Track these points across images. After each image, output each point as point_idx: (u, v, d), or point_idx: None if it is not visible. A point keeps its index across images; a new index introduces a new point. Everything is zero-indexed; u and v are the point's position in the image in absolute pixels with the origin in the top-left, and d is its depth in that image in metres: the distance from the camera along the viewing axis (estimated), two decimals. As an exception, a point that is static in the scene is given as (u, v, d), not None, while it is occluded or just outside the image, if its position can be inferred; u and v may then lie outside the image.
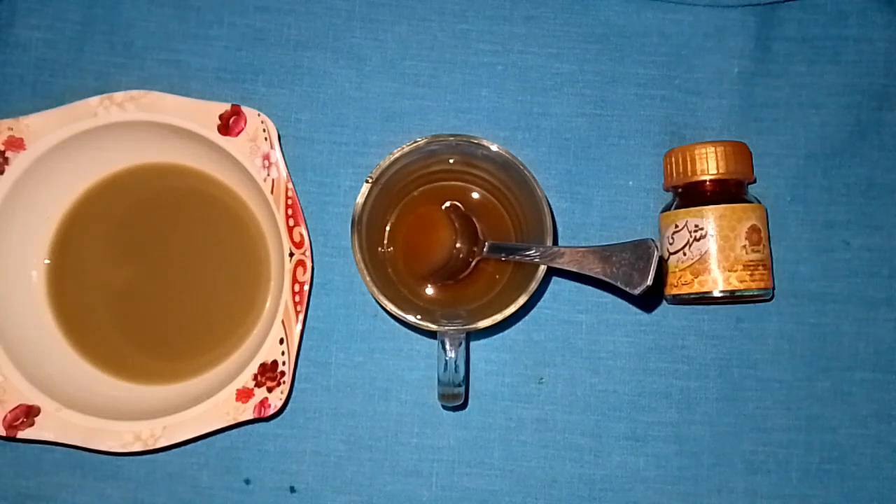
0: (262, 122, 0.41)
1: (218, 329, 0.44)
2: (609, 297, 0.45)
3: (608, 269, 0.34)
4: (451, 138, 0.38)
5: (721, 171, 0.42)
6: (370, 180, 0.38)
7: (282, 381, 0.41)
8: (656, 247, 0.33)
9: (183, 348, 0.44)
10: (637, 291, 0.33)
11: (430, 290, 0.42)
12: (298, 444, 0.44)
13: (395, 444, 0.44)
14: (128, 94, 0.42)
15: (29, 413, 0.41)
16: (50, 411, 0.41)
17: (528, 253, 0.38)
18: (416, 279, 0.41)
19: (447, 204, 0.41)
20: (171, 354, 0.44)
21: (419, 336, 0.44)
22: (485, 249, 0.40)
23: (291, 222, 0.41)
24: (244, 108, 0.41)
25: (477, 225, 0.41)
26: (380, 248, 0.41)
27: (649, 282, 0.32)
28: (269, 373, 0.41)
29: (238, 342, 0.44)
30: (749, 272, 0.41)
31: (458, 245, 0.40)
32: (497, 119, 0.45)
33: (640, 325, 0.44)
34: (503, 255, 0.40)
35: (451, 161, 0.41)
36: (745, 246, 0.41)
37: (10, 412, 0.41)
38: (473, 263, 0.41)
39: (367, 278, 0.37)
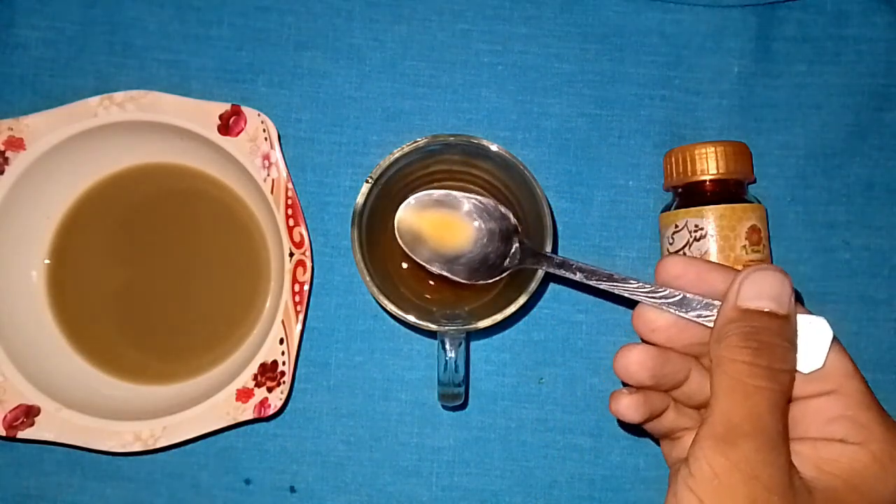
0: (262, 122, 0.41)
1: (218, 329, 0.44)
2: (609, 298, 0.44)
3: None
4: (451, 138, 0.38)
5: (721, 171, 0.42)
6: (370, 180, 0.38)
7: (282, 381, 0.41)
8: (829, 327, 0.29)
9: (183, 348, 0.44)
10: (807, 371, 0.30)
11: (430, 291, 0.42)
12: (298, 444, 0.44)
13: (395, 444, 0.44)
14: (128, 94, 0.42)
15: (29, 413, 0.41)
16: (50, 411, 0.41)
17: (629, 286, 0.32)
18: (426, 273, 0.39)
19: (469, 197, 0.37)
20: (171, 354, 0.44)
21: (419, 336, 0.44)
22: (553, 264, 0.34)
23: (291, 222, 0.41)
24: (244, 108, 0.41)
25: (513, 221, 0.36)
26: (379, 249, 0.41)
27: (819, 364, 0.29)
28: (269, 373, 0.41)
29: (238, 342, 0.44)
30: (749, 272, 0.41)
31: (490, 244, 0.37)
32: (497, 119, 0.45)
33: (640, 325, 0.44)
34: (576, 274, 0.33)
35: (451, 161, 0.41)
36: (745, 246, 0.41)
37: (10, 412, 0.41)
38: (508, 272, 0.37)
39: (367, 278, 0.37)
